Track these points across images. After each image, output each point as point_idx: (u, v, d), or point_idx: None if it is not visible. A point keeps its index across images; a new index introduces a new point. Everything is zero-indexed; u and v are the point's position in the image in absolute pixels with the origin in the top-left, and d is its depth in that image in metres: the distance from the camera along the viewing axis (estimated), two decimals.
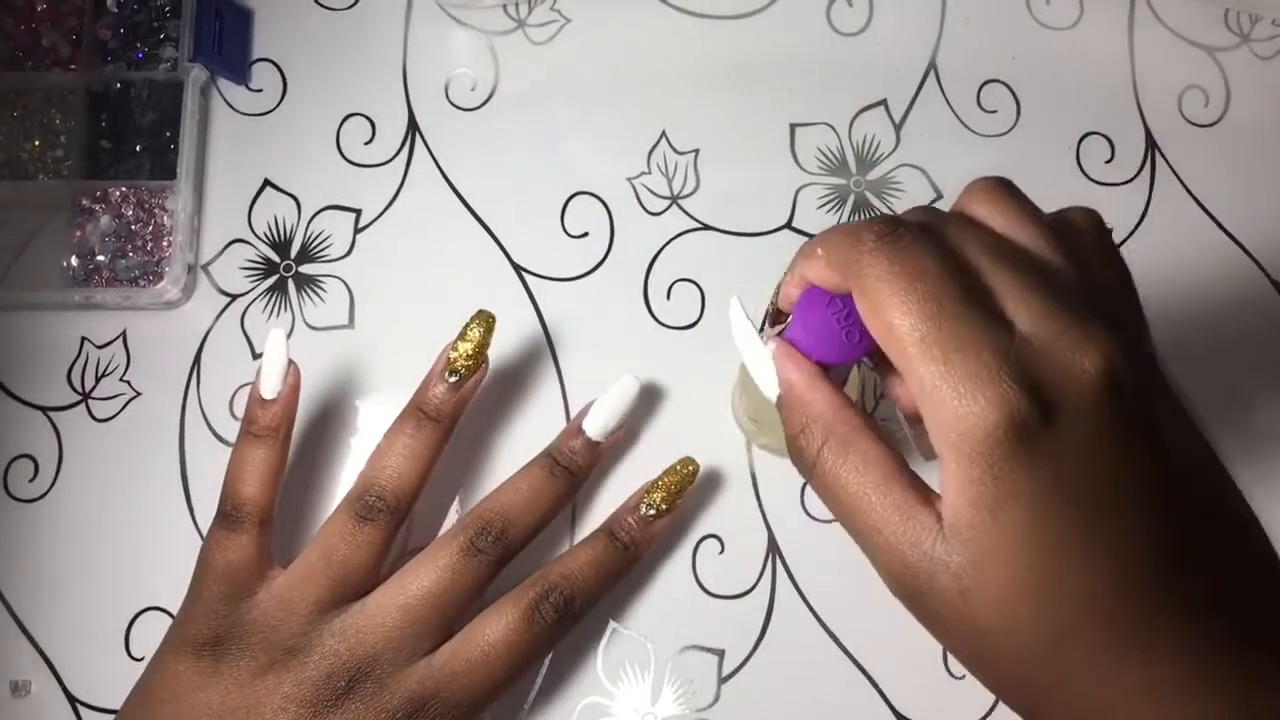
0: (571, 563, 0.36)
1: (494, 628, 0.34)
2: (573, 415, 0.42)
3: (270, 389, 0.37)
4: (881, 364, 0.30)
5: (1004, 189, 0.28)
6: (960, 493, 0.24)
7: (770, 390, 0.29)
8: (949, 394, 0.24)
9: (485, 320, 0.38)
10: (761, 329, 0.30)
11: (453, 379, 0.37)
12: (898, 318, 0.25)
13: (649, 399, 0.42)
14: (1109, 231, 0.29)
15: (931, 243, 0.26)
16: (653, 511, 0.37)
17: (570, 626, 0.35)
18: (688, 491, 0.38)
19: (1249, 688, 0.24)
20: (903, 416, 0.30)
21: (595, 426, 0.38)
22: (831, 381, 0.29)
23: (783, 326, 0.31)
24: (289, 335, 0.42)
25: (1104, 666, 0.24)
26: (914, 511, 0.25)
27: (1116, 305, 0.27)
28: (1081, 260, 0.27)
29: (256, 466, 0.37)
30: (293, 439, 0.40)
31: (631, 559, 0.37)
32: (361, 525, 0.35)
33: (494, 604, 0.35)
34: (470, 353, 0.37)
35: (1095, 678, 0.24)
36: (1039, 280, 0.25)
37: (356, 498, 0.36)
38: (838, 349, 0.29)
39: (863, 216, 0.44)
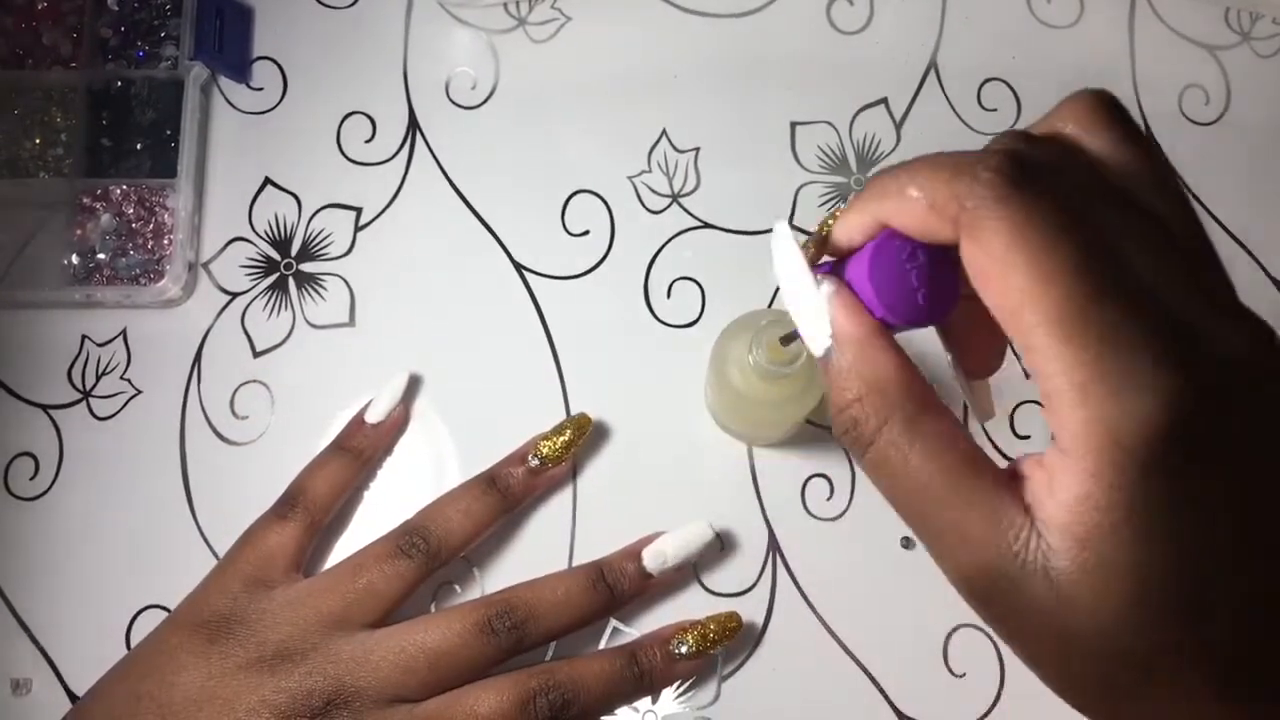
0: (583, 669, 0.35)
1: (485, 703, 0.33)
2: (572, 414, 0.42)
3: (375, 415, 0.40)
4: (948, 328, 0.26)
5: (1113, 112, 0.24)
6: (1087, 497, 0.20)
7: (818, 341, 0.25)
8: (1100, 387, 0.20)
9: (581, 424, 0.39)
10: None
11: (534, 463, 0.39)
12: (1034, 286, 0.20)
13: (649, 398, 0.42)
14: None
15: (1067, 191, 0.21)
16: (682, 651, 0.37)
17: None
18: (724, 645, 0.37)
19: None
20: (961, 376, 0.27)
21: (656, 560, 0.38)
22: (897, 344, 0.24)
23: (830, 264, 0.26)
24: (289, 334, 0.43)
25: (1202, 700, 0.21)
26: (999, 508, 0.22)
27: (1221, 269, 0.23)
28: (1186, 213, 0.23)
29: (329, 472, 0.38)
30: (294, 438, 0.41)
31: (643, 689, 0.36)
32: (398, 557, 0.36)
33: (493, 678, 0.34)
34: (558, 448, 0.39)
35: (1189, 709, 0.21)
36: (1177, 249, 0.22)
37: (403, 532, 0.36)
38: (908, 310, 0.24)
39: None
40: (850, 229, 0.25)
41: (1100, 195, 0.22)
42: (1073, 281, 0.20)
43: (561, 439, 0.39)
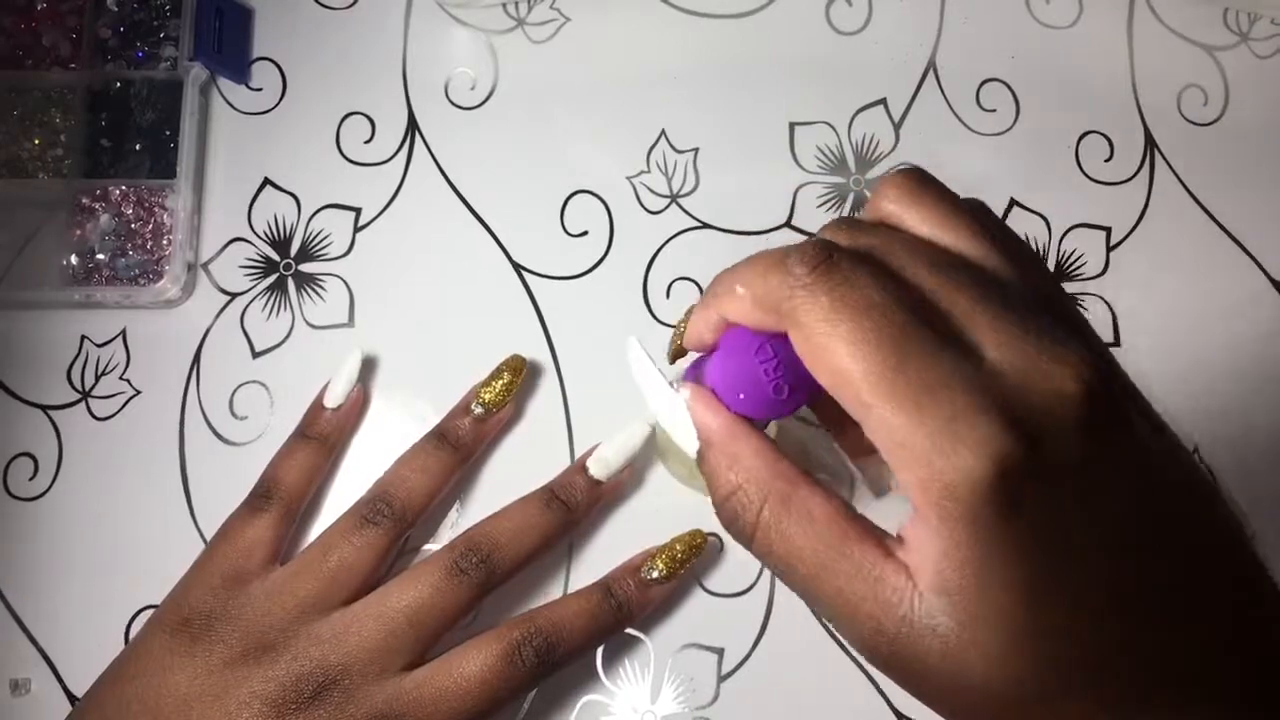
0: (562, 610, 0.35)
1: (472, 661, 0.34)
2: (572, 416, 0.42)
3: (333, 400, 0.40)
4: (822, 411, 0.28)
5: (921, 182, 0.25)
6: (945, 555, 0.21)
7: (688, 443, 0.26)
8: (926, 447, 0.21)
9: (514, 365, 0.40)
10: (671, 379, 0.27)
11: (478, 410, 0.39)
12: (850, 362, 0.22)
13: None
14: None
15: (872, 267, 0.23)
16: (654, 575, 0.37)
17: (549, 673, 0.35)
18: (692, 563, 0.38)
19: None
20: (845, 456, 0.28)
21: (600, 466, 0.38)
22: (759, 431, 0.25)
23: (696, 362, 0.28)
24: (288, 334, 0.43)
25: None
26: (881, 570, 0.22)
27: (1066, 308, 0.24)
28: (1014, 258, 0.24)
29: (299, 460, 0.38)
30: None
31: (623, 619, 0.37)
32: (364, 527, 0.36)
33: (476, 637, 0.35)
34: (498, 390, 0.39)
35: None
36: (995, 295, 0.22)
37: (365, 502, 0.37)
38: (765, 403, 0.25)
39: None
40: (699, 329, 0.27)
41: (918, 263, 0.23)
42: (886, 350, 0.21)
43: (500, 382, 0.39)
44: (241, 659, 0.33)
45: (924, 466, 0.21)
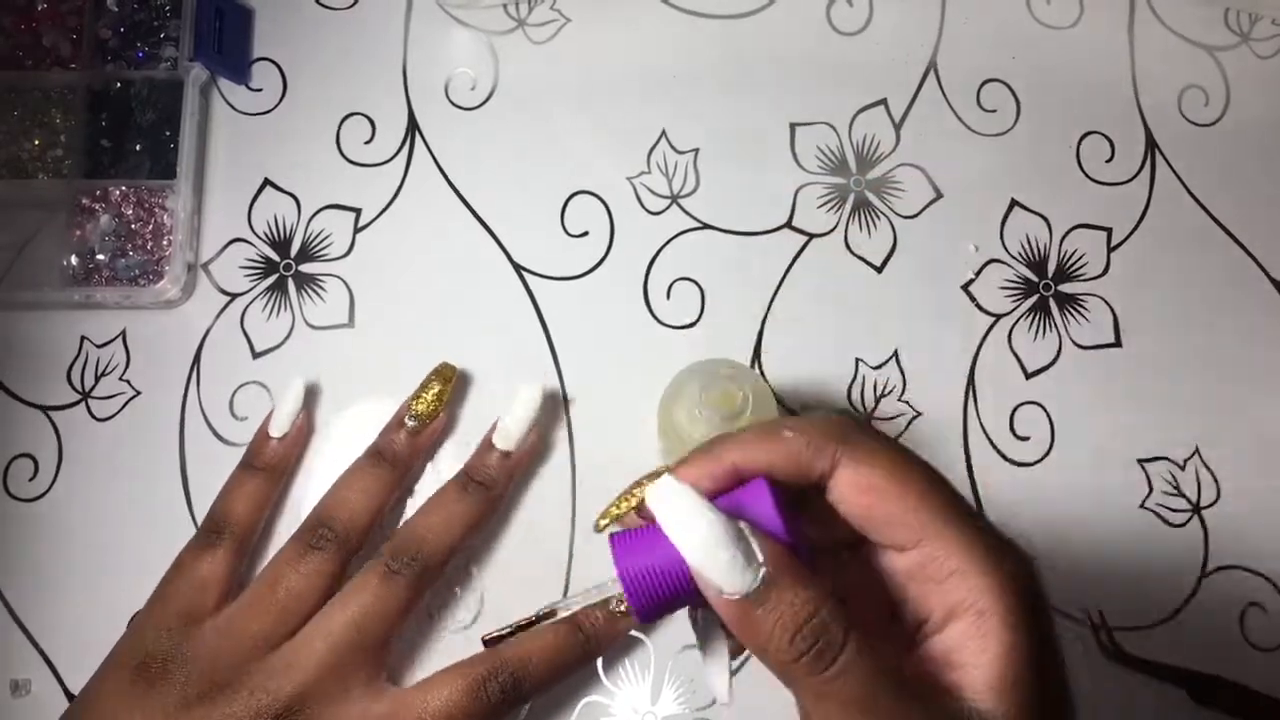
0: (529, 645, 0.35)
1: (436, 698, 0.33)
2: (572, 414, 0.42)
3: (278, 429, 0.40)
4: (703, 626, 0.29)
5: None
6: (1008, 650, 0.24)
7: (742, 579, 0.24)
8: (996, 557, 0.24)
9: (445, 374, 0.40)
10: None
11: (411, 423, 0.39)
12: (934, 490, 0.25)
13: (648, 399, 0.42)
14: None
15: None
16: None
17: (515, 707, 0.35)
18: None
19: None
20: (716, 659, 0.29)
21: (504, 438, 0.39)
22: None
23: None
24: (288, 335, 0.43)
25: None
26: (937, 698, 0.24)
27: None
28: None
29: (248, 492, 0.38)
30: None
31: (591, 651, 0.37)
32: (310, 554, 0.36)
33: (440, 672, 0.34)
34: (429, 401, 0.39)
35: None
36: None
37: (308, 529, 0.37)
38: (798, 545, 0.25)
39: (863, 216, 0.44)
40: (697, 478, 0.26)
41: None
42: (945, 488, 0.26)
43: (431, 393, 0.39)
44: (198, 699, 0.33)
45: (996, 571, 0.24)
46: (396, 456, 0.39)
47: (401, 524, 0.37)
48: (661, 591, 0.25)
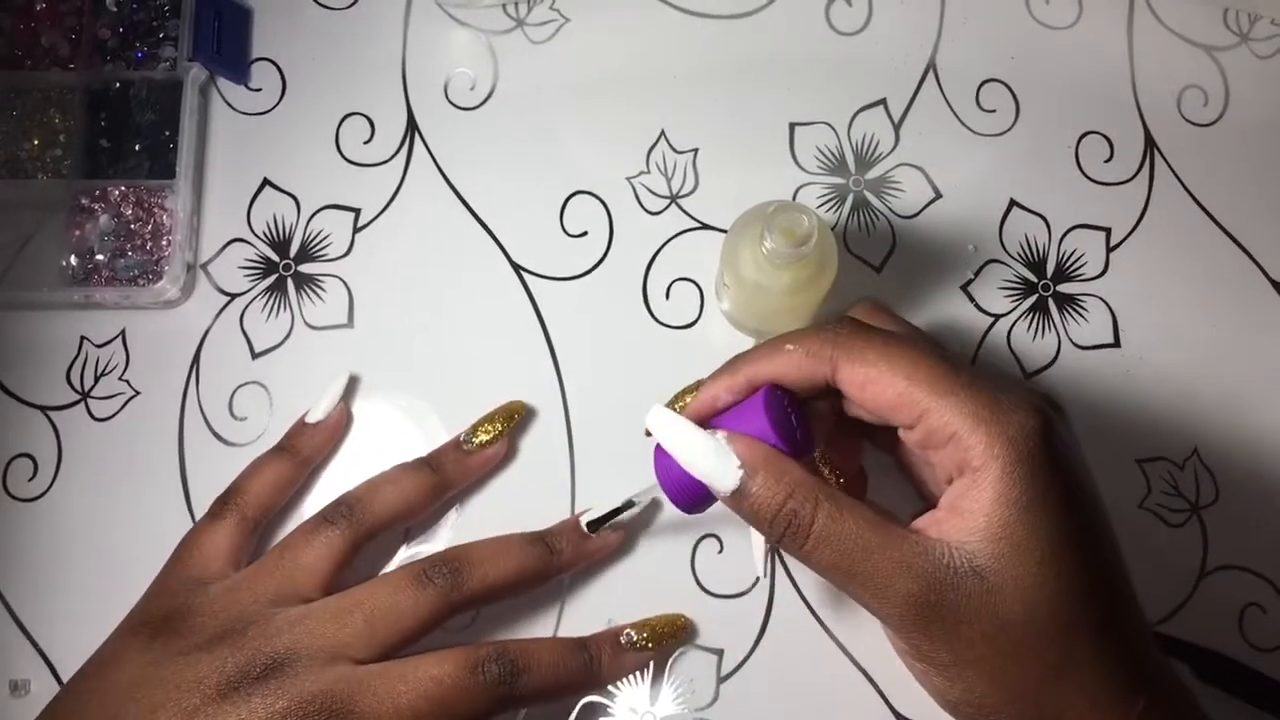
0: (535, 645, 0.35)
1: (432, 665, 0.33)
2: (572, 416, 0.42)
3: (315, 416, 0.40)
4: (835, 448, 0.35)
5: (883, 306, 0.39)
6: (1000, 498, 0.27)
7: (728, 478, 0.30)
8: (988, 415, 0.28)
9: (511, 409, 0.41)
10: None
11: (466, 446, 0.39)
12: (918, 370, 0.29)
13: (648, 399, 0.42)
14: None
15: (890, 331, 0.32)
16: (632, 639, 0.38)
17: (509, 702, 0.34)
18: (670, 644, 0.38)
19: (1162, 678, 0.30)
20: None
21: (591, 517, 0.38)
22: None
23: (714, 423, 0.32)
24: (288, 335, 0.43)
25: (1106, 650, 0.28)
26: (922, 539, 0.28)
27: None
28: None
29: (270, 471, 0.39)
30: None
31: (594, 673, 0.36)
32: (324, 528, 0.36)
33: (443, 649, 0.34)
34: (491, 429, 0.40)
35: (1100, 664, 0.28)
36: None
37: (331, 505, 0.37)
38: (794, 443, 0.31)
39: (862, 216, 0.44)
40: (716, 392, 0.33)
41: (910, 331, 0.36)
42: (935, 362, 0.29)
43: (496, 424, 0.40)
44: (194, 649, 0.33)
45: (988, 428, 0.28)
46: (441, 467, 0.39)
47: (454, 548, 0.37)
48: (688, 489, 0.32)
